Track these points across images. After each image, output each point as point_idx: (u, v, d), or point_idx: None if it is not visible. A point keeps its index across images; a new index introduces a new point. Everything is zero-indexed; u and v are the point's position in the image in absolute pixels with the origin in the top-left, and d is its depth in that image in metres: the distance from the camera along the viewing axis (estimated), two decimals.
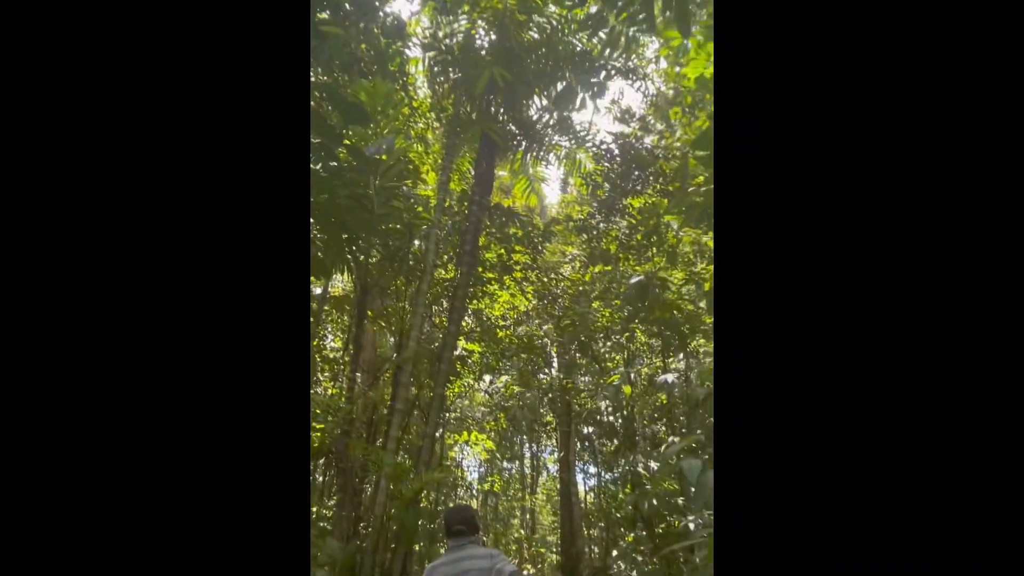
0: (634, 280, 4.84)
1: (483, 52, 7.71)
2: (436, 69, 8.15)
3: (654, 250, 5.74)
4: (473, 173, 7.54)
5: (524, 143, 8.59)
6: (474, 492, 16.42)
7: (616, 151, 7.03)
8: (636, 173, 6.74)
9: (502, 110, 8.15)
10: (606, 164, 7.48)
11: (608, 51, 7.57)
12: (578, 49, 7.61)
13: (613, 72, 7.74)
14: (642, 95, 7.46)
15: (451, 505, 3.14)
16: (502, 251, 8.25)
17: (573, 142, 8.36)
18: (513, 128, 8.31)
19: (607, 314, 7.62)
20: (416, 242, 6.59)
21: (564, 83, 7.96)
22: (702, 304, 6.50)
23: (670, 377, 4.42)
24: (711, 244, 4.51)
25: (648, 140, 6.76)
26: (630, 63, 7.92)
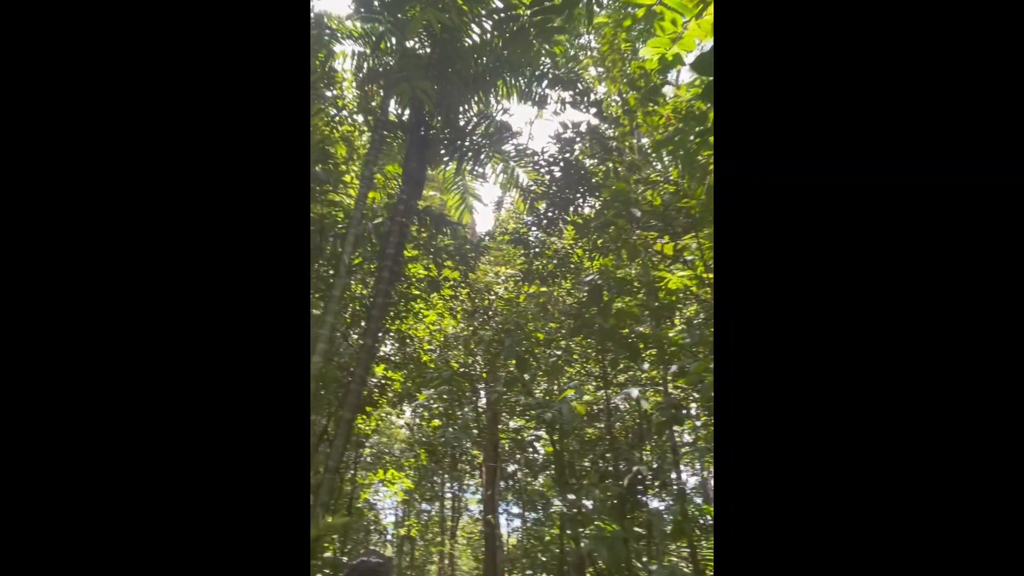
0: (587, 279, 4.28)
1: (419, 51, 7.19)
2: (366, 67, 7.50)
3: (611, 249, 5.18)
4: (402, 171, 6.80)
5: (458, 153, 8.03)
6: (389, 538, 15.09)
7: (559, 159, 6.58)
8: (581, 186, 6.30)
9: (438, 116, 7.59)
10: (547, 176, 7.01)
11: (549, 59, 7.28)
12: (520, 57, 7.23)
13: (555, 81, 7.43)
14: (585, 101, 7.12)
15: (361, 555, 2.27)
16: (431, 265, 7.52)
17: (512, 156, 7.91)
18: (448, 133, 7.75)
19: (541, 337, 7.03)
20: (331, 241, 5.73)
21: (503, 91, 7.59)
22: (641, 329, 6.08)
23: (635, 391, 3.85)
24: (669, 250, 4.08)
25: (604, 135, 6.34)
26: (572, 73, 7.63)
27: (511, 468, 9.58)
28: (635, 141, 5.95)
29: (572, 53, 8.53)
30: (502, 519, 11.09)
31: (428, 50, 7.20)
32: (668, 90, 5.11)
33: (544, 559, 9.30)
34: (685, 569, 4.41)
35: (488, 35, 7.07)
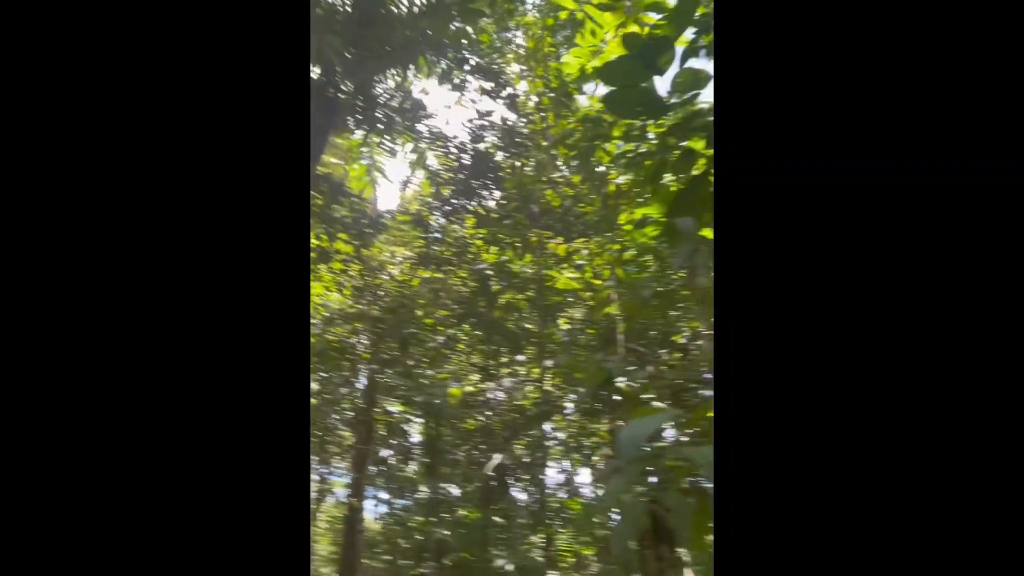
0: (478, 267, 4.28)
1: (338, 8, 6.79)
2: None
3: (507, 244, 5.23)
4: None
5: (368, 123, 7.70)
6: None
7: (470, 148, 6.53)
8: (488, 178, 6.31)
9: (348, 81, 7.22)
10: (456, 162, 6.94)
11: (471, 42, 7.21)
12: (440, 34, 7.07)
13: (477, 69, 7.37)
14: (502, 94, 7.14)
15: None
16: (323, 235, 7.14)
17: (424, 137, 7.72)
18: (358, 103, 7.40)
19: (430, 322, 6.96)
20: None
21: (421, 70, 7.40)
22: (528, 325, 6.22)
23: (511, 384, 3.90)
24: (562, 251, 4.20)
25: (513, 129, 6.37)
26: (495, 65, 7.62)
27: (384, 453, 9.40)
28: (545, 142, 6.07)
29: (498, 46, 8.52)
30: (369, 504, 10.85)
31: (349, 10, 6.82)
32: (583, 99, 5.25)
33: (406, 545, 9.23)
34: (538, 559, 4.58)
35: (413, 7, 6.85)
